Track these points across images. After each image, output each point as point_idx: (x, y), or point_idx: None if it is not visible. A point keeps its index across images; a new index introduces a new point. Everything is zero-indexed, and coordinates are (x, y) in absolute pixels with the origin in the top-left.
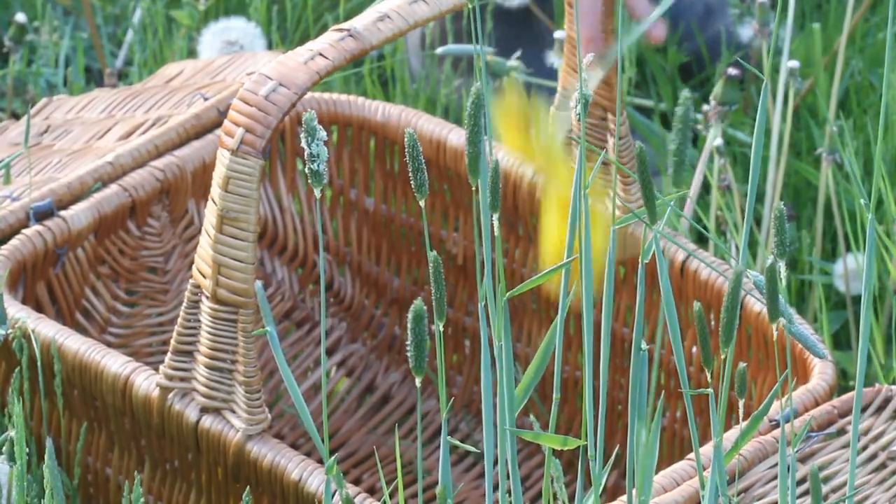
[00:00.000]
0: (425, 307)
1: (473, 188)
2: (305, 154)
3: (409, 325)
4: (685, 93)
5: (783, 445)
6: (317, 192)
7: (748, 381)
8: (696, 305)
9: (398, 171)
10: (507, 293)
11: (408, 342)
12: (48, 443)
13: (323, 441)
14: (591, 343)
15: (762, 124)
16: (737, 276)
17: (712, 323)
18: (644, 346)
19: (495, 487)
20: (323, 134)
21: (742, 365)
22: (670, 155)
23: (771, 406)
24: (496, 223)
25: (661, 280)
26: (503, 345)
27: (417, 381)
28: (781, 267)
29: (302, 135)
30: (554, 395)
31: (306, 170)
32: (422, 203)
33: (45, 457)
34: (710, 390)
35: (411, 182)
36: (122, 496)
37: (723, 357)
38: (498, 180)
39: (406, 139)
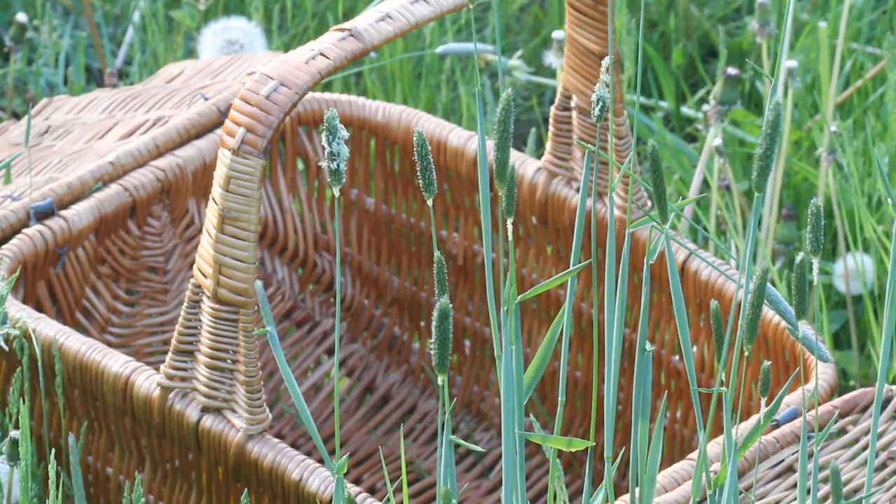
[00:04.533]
0: (451, 305)
1: (500, 193)
2: (326, 153)
3: (434, 323)
4: (777, 98)
5: (804, 441)
6: (336, 192)
7: (748, 380)
8: (713, 304)
9: (398, 171)
10: (519, 296)
11: (432, 340)
12: (70, 440)
13: (327, 441)
14: (615, 347)
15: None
16: (763, 273)
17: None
18: (649, 346)
19: (496, 487)
20: (344, 132)
21: (766, 363)
22: (756, 159)
23: (779, 406)
24: (510, 228)
25: (671, 281)
26: (514, 348)
27: (439, 380)
28: (815, 263)
29: (323, 133)
30: (559, 399)
31: (325, 167)
32: (429, 202)
33: (70, 457)
34: (724, 388)
35: (419, 181)
36: (123, 496)
37: (743, 355)
38: (513, 185)
39: (415, 138)
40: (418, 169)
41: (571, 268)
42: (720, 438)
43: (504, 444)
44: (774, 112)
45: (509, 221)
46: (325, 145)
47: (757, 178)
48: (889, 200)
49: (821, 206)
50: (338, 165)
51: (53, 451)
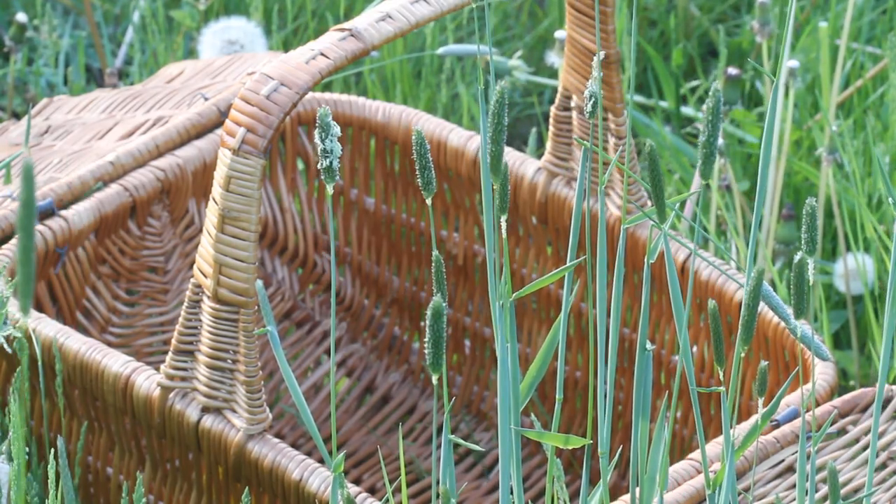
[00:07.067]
0: (445, 304)
1: (495, 187)
2: (319, 150)
3: (427, 322)
4: (715, 84)
5: (803, 441)
6: (329, 189)
7: (747, 380)
8: (711, 304)
9: (398, 171)
10: (514, 294)
11: (426, 339)
12: (59, 443)
13: (327, 440)
14: (612, 344)
15: (771, 125)
16: (759, 273)
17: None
18: (649, 346)
19: (496, 487)
20: (337, 130)
21: (764, 363)
22: (700, 147)
23: (779, 405)
24: (503, 225)
25: (670, 280)
26: (509, 346)
27: (434, 379)
28: (810, 263)
29: (316, 130)
30: (557, 396)
31: (319, 166)
32: (428, 201)
33: (59, 458)
34: (721, 388)
35: (418, 180)
36: (123, 496)
37: (740, 355)
38: (507, 182)
39: (414, 137)
40: (417, 168)
41: (566, 264)
42: (721, 438)
43: (501, 441)
44: (714, 98)
45: (503, 219)
46: (319, 142)
47: (702, 165)
48: (890, 200)
49: (815, 205)
50: (331, 163)
51: (53, 450)
